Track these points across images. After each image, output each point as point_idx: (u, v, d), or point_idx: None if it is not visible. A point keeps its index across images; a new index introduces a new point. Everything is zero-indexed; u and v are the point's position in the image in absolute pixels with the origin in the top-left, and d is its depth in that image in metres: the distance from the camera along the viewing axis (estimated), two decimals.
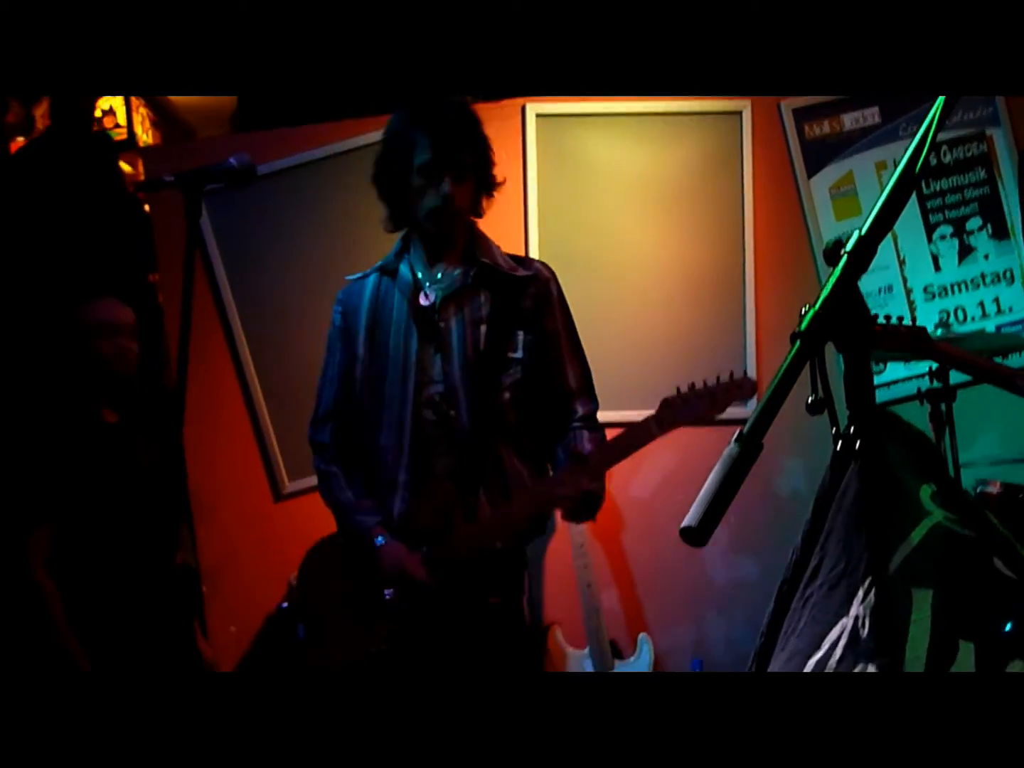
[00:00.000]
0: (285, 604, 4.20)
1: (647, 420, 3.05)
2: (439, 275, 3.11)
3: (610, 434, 4.01)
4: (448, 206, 3.01)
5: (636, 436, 3.06)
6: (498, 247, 3.18)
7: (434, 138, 2.97)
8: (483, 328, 3.07)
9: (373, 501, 3.10)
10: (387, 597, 3.04)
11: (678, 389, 3.08)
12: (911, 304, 4.43)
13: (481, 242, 3.15)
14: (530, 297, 3.11)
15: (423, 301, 3.08)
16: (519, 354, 3.07)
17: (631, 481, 4.33)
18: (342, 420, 3.18)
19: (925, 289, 4.43)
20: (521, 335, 3.08)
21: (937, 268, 4.44)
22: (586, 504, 3.05)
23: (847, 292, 1.50)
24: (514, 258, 3.20)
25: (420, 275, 3.12)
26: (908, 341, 3.22)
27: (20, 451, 3.38)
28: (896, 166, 1.57)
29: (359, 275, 3.22)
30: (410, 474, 3.06)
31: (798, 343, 1.46)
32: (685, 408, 3.04)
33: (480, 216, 3.16)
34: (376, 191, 3.12)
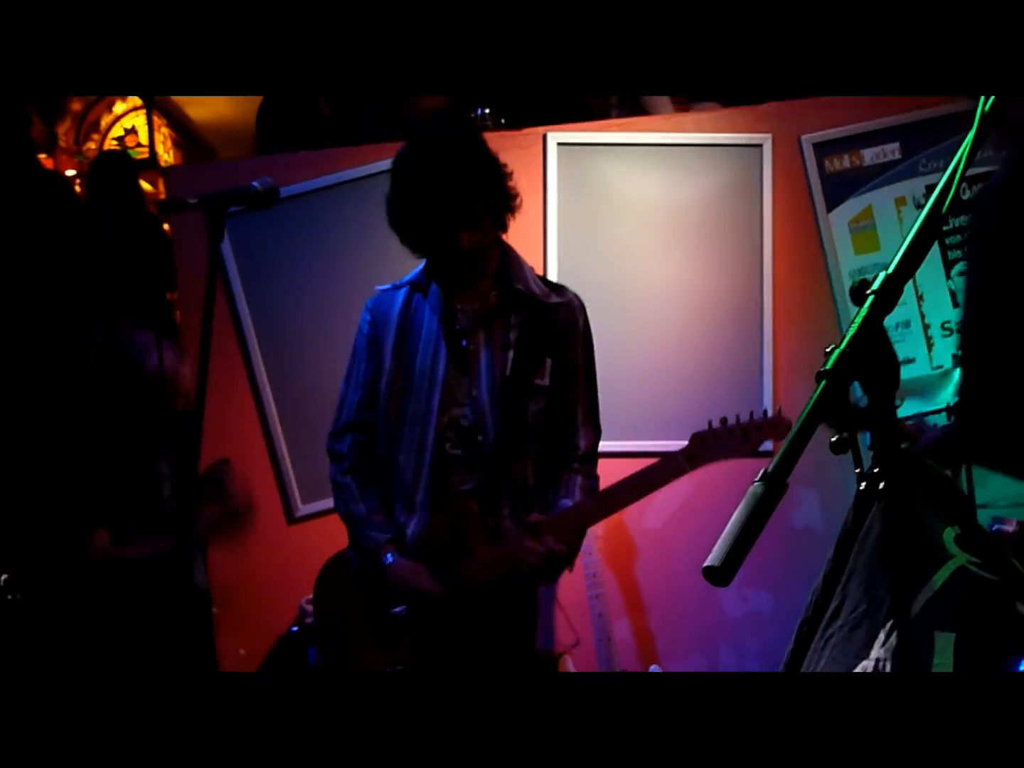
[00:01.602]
0: (295, 628, 4.20)
1: (677, 455, 3.04)
2: (472, 298, 3.10)
3: (619, 465, 4.05)
4: (464, 256, 3.00)
5: (665, 470, 3.05)
6: (531, 268, 3.17)
7: (444, 192, 2.93)
8: (511, 354, 3.06)
9: (385, 517, 3.09)
10: (396, 612, 3.03)
11: (709, 423, 3.06)
12: (928, 340, 4.41)
13: (513, 264, 3.12)
14: (559, 325, 3.10)
15: (454, 323, 3.08)
16: (545, 381, 3.07)
17: (644, 511, 4.31)
18: (363, 432, 3.16)
19: (943, 325, 4.42)
20: (549, 363, 3.07)
21: (955, 304, 4.43)
22: (550, 566, 3.02)
23: (873, 332, 1.49)
24: (546, 283, 3.18)
25: (451, 295, 3.11)
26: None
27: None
28: (916, 203, 1.58)
29: (389, 286, 3.20)
30: (428, 495, 3.06)
31: (824, 382, 1.45)
32: (717, 444, 3.03)
33: (505, 231, 3.14)
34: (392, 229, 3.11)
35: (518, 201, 3.08)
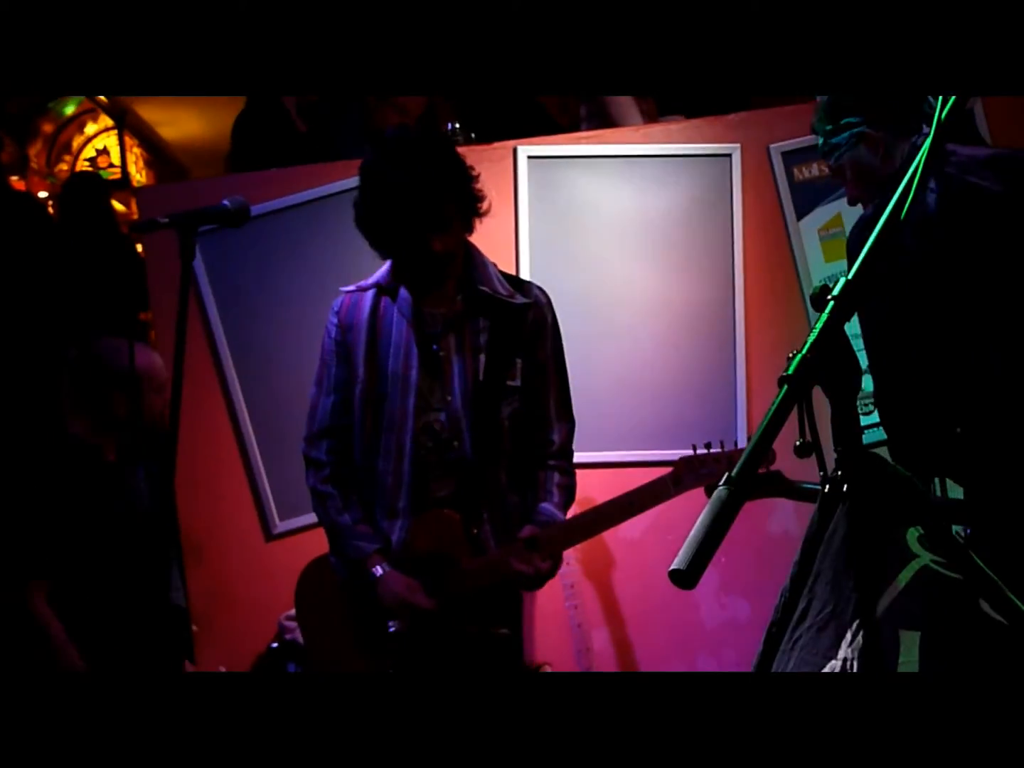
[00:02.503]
0: (275, 644, 4.19)
1: (664, 479, 3.07)
2: (439, 301, 3.11)
3: (596, 476, 4.07)
4: (435, 260, 3.02)
5: (652, 493, 3.08)
6: (494, 266, 3.18)
7: (413, 196, 2.93)
8: (482, 357, 3.07)
9: (371, 527, 3.09)
10: (391, 630, 3.04)
11: (694, 447, 3.09)
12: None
13: (478, 266, 3.14)
14: (528, 324, 3.12)
15: (424, 327, 3.09)
16: (517, 382, 3.08)
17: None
18: (338, 437, 3.16)
19: None
20: (519, 363, 3.09)
21: None
22: (535, 582, 3.10)
23: (834, 337, 1.52)
24: (510, 279, 3.19)
25: (420, 299, 3.12)
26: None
27: (24, 499, 3.35)
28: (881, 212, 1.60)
29: (353, 287, 3.20)
30: (410, 500, 3.07)
31: (785, 387, 1.47)
32: (703, 469, 3.05)
33: (471, 232, 3.14)
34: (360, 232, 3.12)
35: (486, 204, 3.10)
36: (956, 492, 3.89)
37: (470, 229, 3.11)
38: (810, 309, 4.39)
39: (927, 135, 1.72)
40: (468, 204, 3.05)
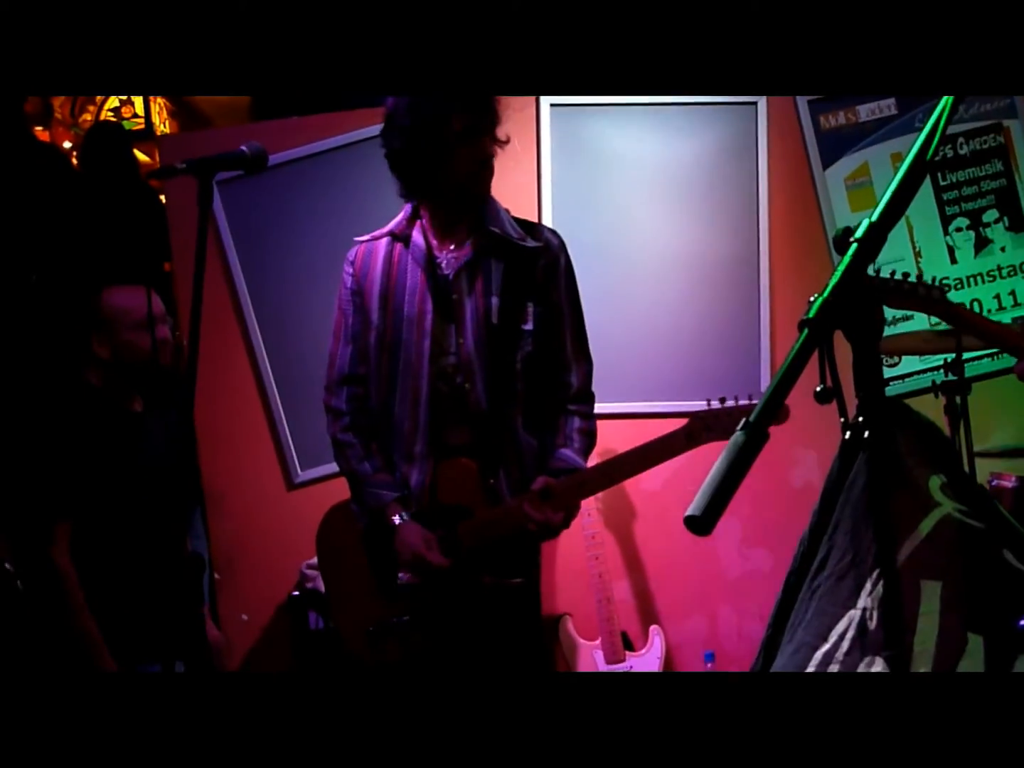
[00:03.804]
0: (296, 592, 4.22)
1: (677, 432, 3.05)
2: (452, 245, 3.10)
3: (616, 426, 4.06)
4: (488, 168, 3.02)
5: (665, 447, 3.06)
6: (507, 211, 3.16)
7: (468, 102, 2.94)
8: (495, 300, 3.06)
9: (391, 475, 3.09)
10: (401, 580, 3.05)
11: (708, 402, 3.06)
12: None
13: (490, 209, 3.12)
14: (540, 268, 3.09)
15: (437, 272, 3.08)
16: (530, 326, 3.07)
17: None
18: (357, 384, 3.16)
19: (941, 281, 4.40)
20: (531, 306, 3.07)
21: (953, 260, 4.42)
22: (547, 533, 3.07)
23: (856, 280, 1.48)
24: (523, 224, 3.17)
25: (434, 244, 3.11)
26: (920, 299, 3.20)
27: (47, 443, 3.37)
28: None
29: (367, 237, 3.20)
30: (426, 444, 3.07)
31: (806, 331, 1.44)
32: (717, 425, 3.03)
33: (494, 153, 3.11)
34: (393, 163, 3.07)
35: (505, 136, 3.08)
36: (981, 444, 3.86)
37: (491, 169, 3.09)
38: (835, 258, 4.35)
39: None
40: (493, 120, 3.04)
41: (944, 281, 4.38)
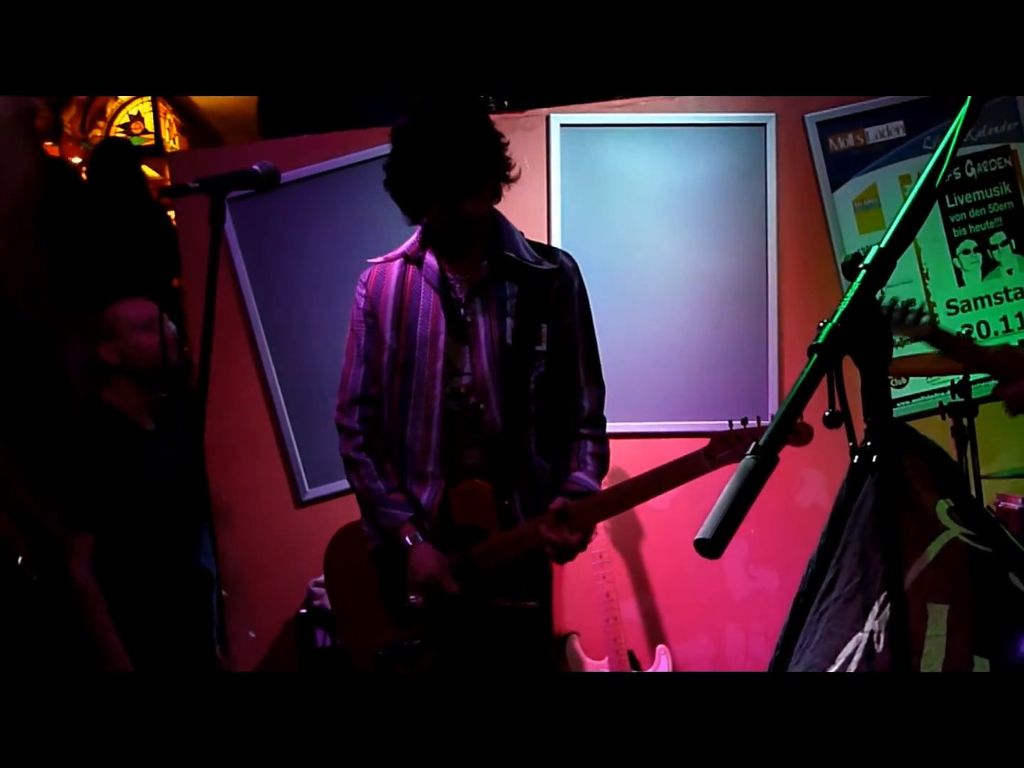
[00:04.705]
0: (304, 610, 4.22)
1: (699, 454, 3.05)
2: (465, 268, 3.11)
3: (626, 444, 4.07)
4: (465, 223, 3.01)
5: (687, 468, 3.06)
6: (521, 234, 3.16)
7: (447, 160, 2.90)
8: (509, 322, 3.06)
9: (404, 495, 3.09)
10: (412, 601, 3.05)
11: (730, 423, 3.06)
12: (933, 318, 4.41)
13: (504, 232, 3.13)
14: (554, 290, 3.10)
15: (451, 293, 3.09)
16: (543, 347, 3.07)
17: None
18: (370, 405, 3.17)
19: (948, 303, 4.42)
20: (545, 328, 3.08)
21: (960, 283, 4.43)
22: (563, 555, 3.06)
23: (865, 306, 1.50)
24: (537, 247, 3.18)
25: (447, 266, 3.12)
26: (897, 325, 3.22)
27: (66, 460, 3.39)
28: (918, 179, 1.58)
29: (381, 259, 3.21)
30: (439, 465, 3.07)
31: (815, 356, 1.46)
32: (739, 446, 3.03)
33: (499, 200, 3.12)
34: (391, 195, 3.11)
35: (516, 171, 3.08)
36: (988, 466, 3.86)
37: (499, 196, 3.10)
38: (843, 280, 4.36)
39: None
40: (499, 170, 3.04)
41: (951, 303, 4.40)
